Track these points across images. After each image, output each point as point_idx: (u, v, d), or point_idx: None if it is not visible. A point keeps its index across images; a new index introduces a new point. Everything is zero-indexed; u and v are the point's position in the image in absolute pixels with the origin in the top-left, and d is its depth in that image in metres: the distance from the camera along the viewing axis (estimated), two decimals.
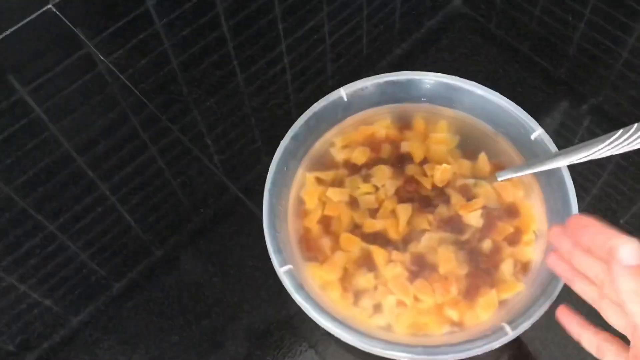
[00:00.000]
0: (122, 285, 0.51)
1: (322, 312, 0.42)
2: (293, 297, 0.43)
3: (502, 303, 0.45)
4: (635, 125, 0.39)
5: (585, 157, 0.41)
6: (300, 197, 0.50)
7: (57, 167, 0.56)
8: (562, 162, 0.44)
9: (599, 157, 0.41)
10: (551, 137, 0.48)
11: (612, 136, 0.40)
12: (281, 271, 0.43)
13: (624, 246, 0.32)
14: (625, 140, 0.39)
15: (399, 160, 0.51)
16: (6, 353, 0.48)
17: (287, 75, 0.62)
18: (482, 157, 0.50)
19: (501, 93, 0.50)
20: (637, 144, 0.39)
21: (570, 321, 0.39)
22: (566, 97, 0.60)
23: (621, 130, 0.39)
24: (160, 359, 0.48)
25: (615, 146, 0.39)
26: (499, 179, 0.47)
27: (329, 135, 0.52)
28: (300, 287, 0.43)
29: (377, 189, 0.50)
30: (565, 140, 0.57)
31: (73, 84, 0.61)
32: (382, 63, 0.62)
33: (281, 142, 0.48)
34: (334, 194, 0.49)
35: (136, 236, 0.54)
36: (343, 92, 0.50)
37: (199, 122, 0.59)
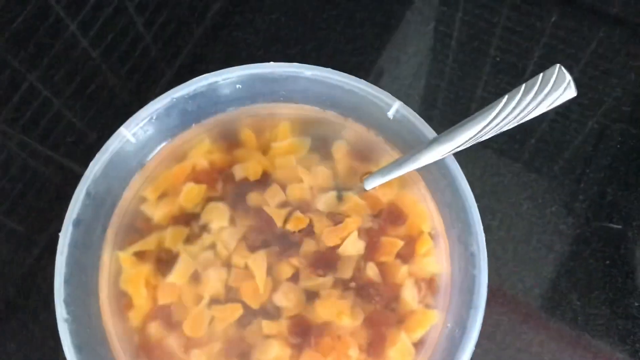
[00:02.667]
0: None
1: None
2: None
3: (417, 345, 0.34)
4: (523, 86, 0.27)
5: (466, 142, 0.30)
6: (119, 289, 0.36)
7: None
8: (437, 154, 0.32)
9: (484, 137, 0.29)
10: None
11: (495, 108, 0.28)
12: None
13: None
14: (515, 108, 0.28)
15: (237, 193, 0.38)
16: None
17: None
18: (341, 155, 0.38)
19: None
20: (527, 113, 0.28)
21: None
22: None
23: (505, 98, 0.28)
24: None
25: (503, 120, 0.28)
26: (368, 187, 0.35)
27: (131, 190, 0.38)
28: None
29: (215, 242, 0.36)
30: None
31: None
32: (168, 72, 0.47)
33: (60, 235, 0.33)
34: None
35: None
36: (126, 132, 0.35)
37: None
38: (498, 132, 0.30)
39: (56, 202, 0.43)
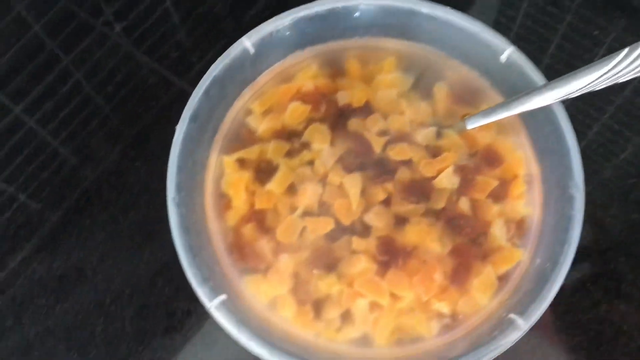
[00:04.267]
0: None
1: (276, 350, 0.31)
2: (236, 339, 0.31)
3: (501, 279, 0.35)
4: None
5: (579, 89, 0.31)
6: (220, 190, 0.38)
7: None
8: (548, 99, 0.33)
9: (599, 87, 0.30)
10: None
11: (614, 59, 0.29)
12: (213, 307, 0.32)
13: None
14: (633, 62, 0.29)
15: (339, 117, 0.39)
16: None
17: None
18: (442, 96, 0.39)
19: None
20: None
21: None
22: None
23: (626, 50, 0.29)
24: (87, 262, 0.42)
25: (620, 72, 0.29)
26: (469, 127, 0.36)
27: (241, 101, 0.40)
28: (242, 323, 0.31)
29: (314, 159, 0.38)
30: None
31: None
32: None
33: (177, 127, 0.35)
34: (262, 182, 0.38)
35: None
36: (247, 43, 0.37)
37: None
38: (613, 82, 0.31)
39: (153, 109, 0.45)
